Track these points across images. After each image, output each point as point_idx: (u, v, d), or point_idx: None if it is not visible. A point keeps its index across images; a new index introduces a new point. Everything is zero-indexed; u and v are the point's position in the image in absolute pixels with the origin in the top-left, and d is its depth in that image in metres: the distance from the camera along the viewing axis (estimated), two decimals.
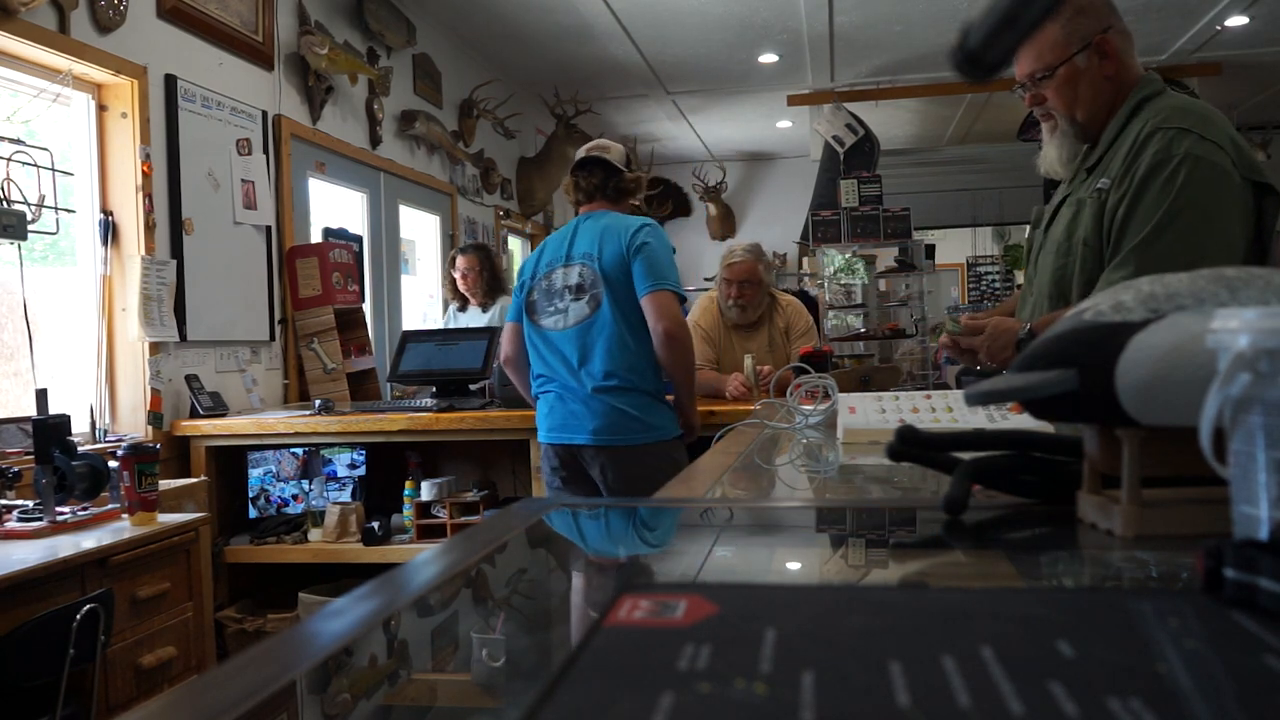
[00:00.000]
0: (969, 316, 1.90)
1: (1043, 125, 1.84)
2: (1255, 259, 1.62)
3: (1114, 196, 1.67)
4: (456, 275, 4.64)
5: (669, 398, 2.78)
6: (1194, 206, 1.60)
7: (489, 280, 4.61)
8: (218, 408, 3.61)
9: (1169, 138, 1.63)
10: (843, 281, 7.61)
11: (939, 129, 9.11)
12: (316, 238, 4.58)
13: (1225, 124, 1.68)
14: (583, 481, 2.74)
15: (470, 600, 0.70)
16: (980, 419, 1.45)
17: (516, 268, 7.67)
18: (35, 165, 3.03)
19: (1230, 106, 7.85)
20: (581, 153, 2.89)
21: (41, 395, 2.58)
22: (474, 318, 4.63)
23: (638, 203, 2.95)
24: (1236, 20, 6.17)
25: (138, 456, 2.54)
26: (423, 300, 5.96)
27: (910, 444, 0.83)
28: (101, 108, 3.39)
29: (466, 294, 4.63)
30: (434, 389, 3.85)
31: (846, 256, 7.45)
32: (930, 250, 7.94)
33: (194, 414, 3.54)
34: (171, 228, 3.56)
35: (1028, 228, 2.08)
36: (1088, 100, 1.76)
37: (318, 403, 3.64)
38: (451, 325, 4.71)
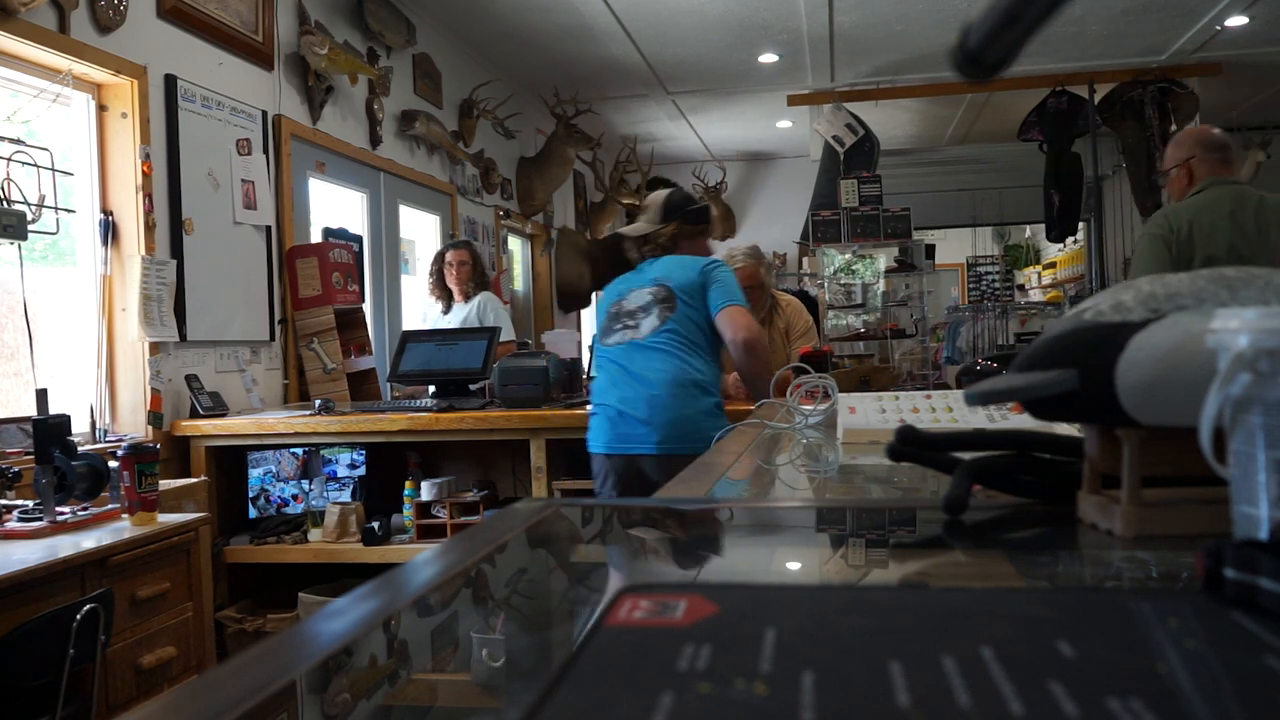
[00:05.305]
0: None
1: None
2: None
3: None
4: (447, 268, 4.78)
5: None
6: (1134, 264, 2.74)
7: (479, 274, 4.82)
8: (218, 408, 3.61)
9: None
10: (843, 281, 7.60)
11: (939, 129, 9.10)
12: (316, 238, 4.58)
13: (1173, 214, 3.09)
14: (641, 490, 2.70)
15: (470, 600, 0.70)
16: (980, 419, 1.45)
17: (517, 266, 7.71)
18: (35, 165, 3.03)
19: (1230, 106, 7.85)
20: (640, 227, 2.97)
21: (41, 395, 2.58)
22: (457, 317, 4.72)
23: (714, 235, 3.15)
24: (1236, 20, 6.17)
25: (138, 456, 2.54)
26: (423, 300, 5.96)
27: (910, 444, 0.83)
28: (101, 108, 3.39)
29: (454, 286, 4.77)
30: (433, 389, 3.84)
31: (846, 257, 7.45)
32: (930, 250, 7.94)
33: (194, 414, 3.54)
34: (171, 228, 3.56)
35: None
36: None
37: (318, 403, 3.63)
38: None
